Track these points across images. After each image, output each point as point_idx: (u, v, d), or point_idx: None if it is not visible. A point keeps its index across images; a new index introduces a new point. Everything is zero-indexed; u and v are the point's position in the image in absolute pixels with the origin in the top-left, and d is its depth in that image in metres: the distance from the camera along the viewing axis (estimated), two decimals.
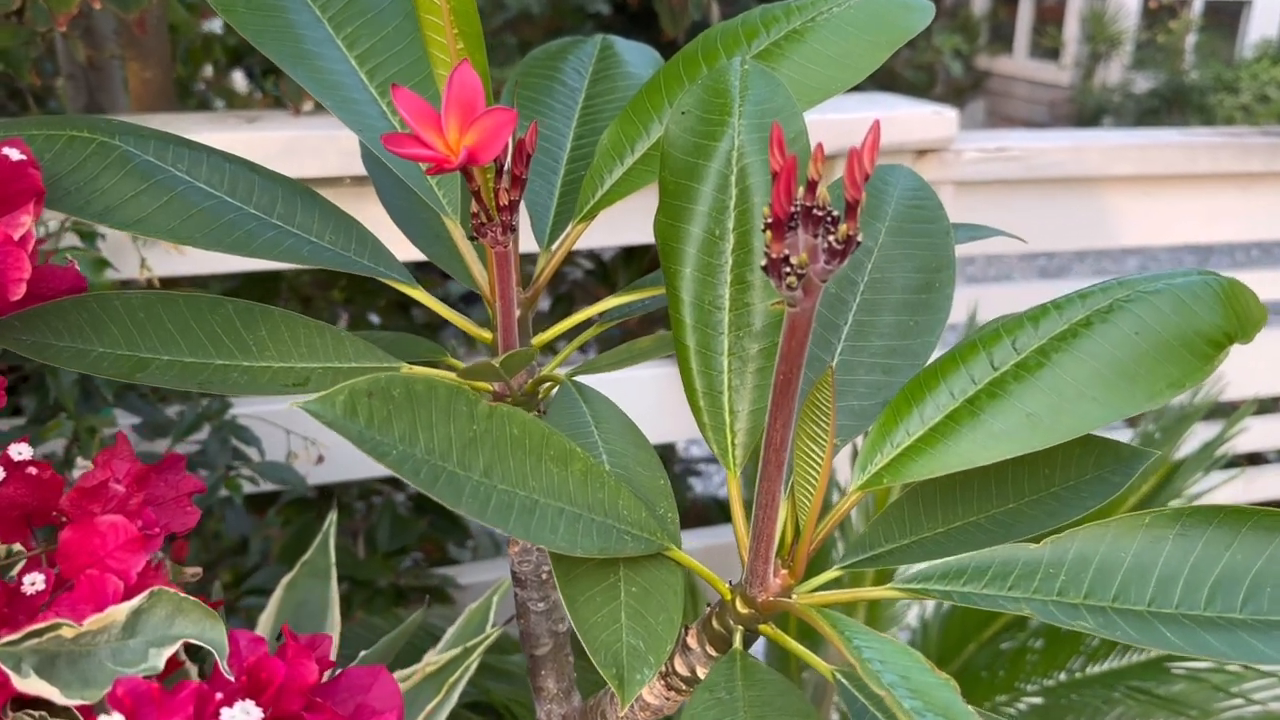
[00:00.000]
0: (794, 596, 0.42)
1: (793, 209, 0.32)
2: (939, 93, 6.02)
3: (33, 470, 0.40)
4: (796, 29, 0.50)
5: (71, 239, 0.87)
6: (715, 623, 0.43)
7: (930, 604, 1.13)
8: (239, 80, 1.67)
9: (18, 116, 1.29)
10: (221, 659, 0.33)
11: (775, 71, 0.49)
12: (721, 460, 0.43)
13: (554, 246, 0.52)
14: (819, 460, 0.39)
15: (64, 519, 0.42)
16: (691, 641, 0.44)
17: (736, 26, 0.51)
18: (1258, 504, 0.39)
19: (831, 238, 0.31)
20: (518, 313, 0.50)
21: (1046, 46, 6.37)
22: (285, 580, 0.78)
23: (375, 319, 1.47)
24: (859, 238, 0.32)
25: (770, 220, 0.32)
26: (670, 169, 0.44)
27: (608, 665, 0.38)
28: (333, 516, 0.80)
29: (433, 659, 0.65)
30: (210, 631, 0.33)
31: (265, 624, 0.77)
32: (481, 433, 0.39)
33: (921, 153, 1.24)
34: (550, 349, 1.32)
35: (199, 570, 0.62)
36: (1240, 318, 0.41)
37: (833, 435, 0.39)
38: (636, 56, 0.62)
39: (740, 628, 0.42)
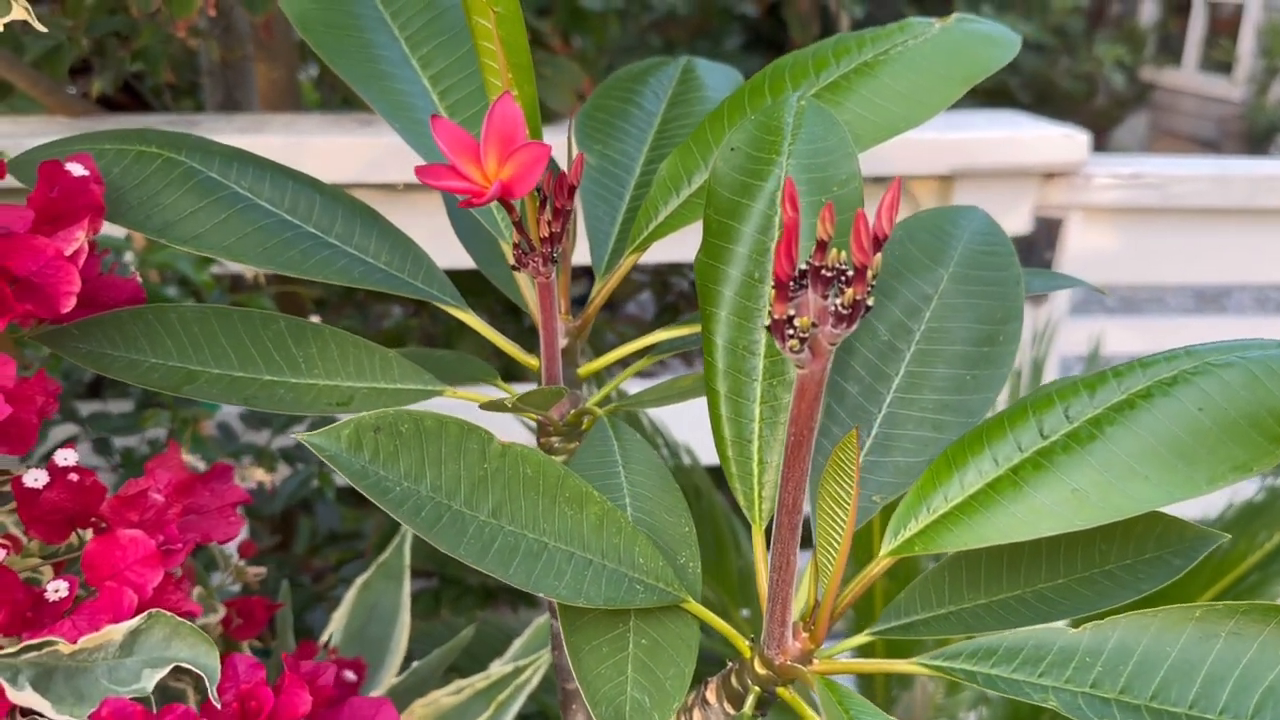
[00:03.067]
0: (815, 662, 0.40)
1: (802, 268, 0.30)
2: (1100, 104, 5.79)
3: (74, 476, 0.42)
4: (868, 61, 0.48)
5: None
6: (734, 680, 0.42)
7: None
8: None
9: (154, 113, 1.35)
10: (211, 685, 0.33)
11: (841, 106, 0.47)
12: (747, 513, 0.41)
13: (609, 274, 0.51)
14: (842, 523, 0.38)
15: (103, 525, 0.43)
16: (710, 697, 0.43)
17: (808, 57, 0.49)
18: None
19: (839, 301, 0.30)
20: (563, 341, 0.50)
21: (1218, 60, 6.05)
22: (360, 580, 0.79)
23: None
24: (869, 302, 0.30)
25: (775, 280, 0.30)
26: (715, 207, 0.43)
27: (607, 718, 0.37)
28: None
29: (482, 676, 0.65)
30: (204, 657, 0.34)
31: (338, 622, 0.78)
32: (493, 471, 0.38)
33: (1049, 176, 1.19)
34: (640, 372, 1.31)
35: (262, 570, 0.63)
36: None
37: (855, 498, 0.37)
38: (718, 80, 0.61)
39: (757, 689, 0.41)
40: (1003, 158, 1.15)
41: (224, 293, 0.93)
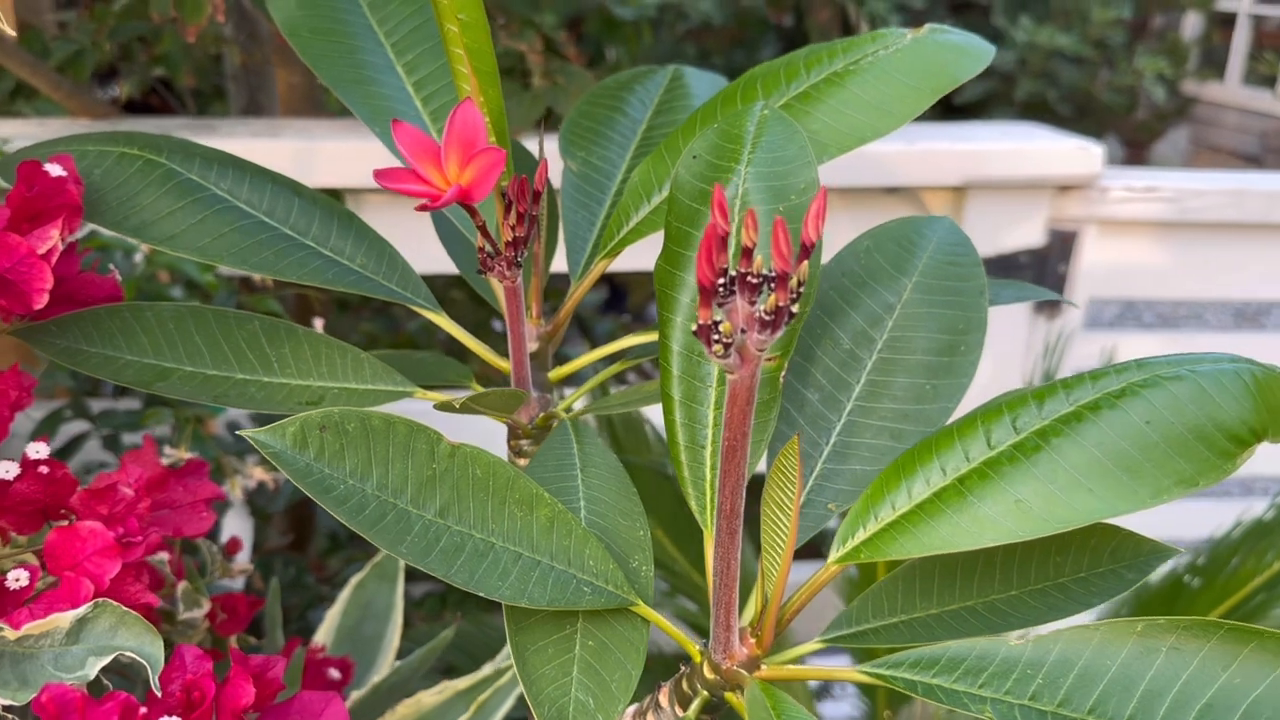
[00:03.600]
0: (763, 668, 0.40)
1: (730, 275, 0.31)
2: (1141, 118, 5.72)
3: (45, 469, 0.43)
4: (838, 71, 0.48)
5: None
6: (685, 685, 0.42)
7: None
8: None
9: (176, 116, 1.38)
10: (154, 674, 0.34)
11: (809, 115, 0.47)
12: (699, 518, 0.41)
13: (582, 279, 0.52)
14: (786, 528, 0.38)
15: (73, 517, 0.44)
16: (663, 700, 0.43)
17: (780, 66, 0.49)
18: None
19: (761, 308, 0.30)
20: (533, 345, 0.50)
21: (1263, 74, 5.96)
22: (355, 580, 0.80)
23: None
24: (794, 309, 0.30)
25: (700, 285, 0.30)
26: (675, 214, 0.43)
27: (549, 718, 0.37)
28: None
29: (467, 678, 0.66)
30: (148, 646, 0.34)
31: (332, 620, 0.79)
32: (442, 472, 0.38)
33: (1063, 189, 1.18)
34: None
35: (249, 566, 0.64)
36: (1275, 413, 0.37)
37: (797, 503, 0.37)
38: (705, 88, 0.61)
39: (705, 693, 0.41)
40: (1015, 169, 1.14)
41: (232, 294, 0.94)
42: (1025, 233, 1.19)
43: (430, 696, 0.66)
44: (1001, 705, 0.36)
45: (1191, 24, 6.25)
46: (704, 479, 0.41)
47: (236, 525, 0.97)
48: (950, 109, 4.41)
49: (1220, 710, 0.34)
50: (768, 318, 0.30)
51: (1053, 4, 4.76)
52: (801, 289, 0.31)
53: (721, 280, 0.31)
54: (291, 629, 0.97)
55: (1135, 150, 5.82)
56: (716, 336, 0.31)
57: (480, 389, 0.51)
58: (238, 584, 0.88)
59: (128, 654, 0.34)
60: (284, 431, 0.36)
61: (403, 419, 0.38)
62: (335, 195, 1.04)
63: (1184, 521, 1.31)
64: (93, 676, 0.33)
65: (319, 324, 0.87)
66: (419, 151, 0.41)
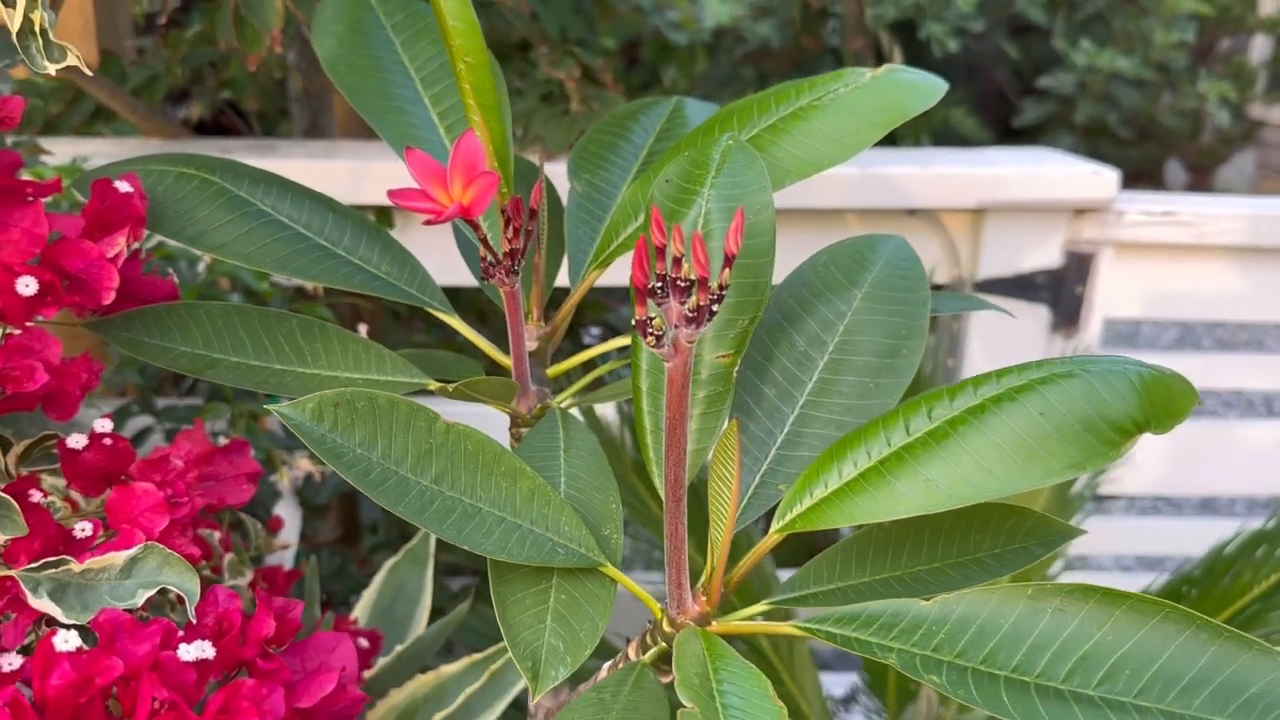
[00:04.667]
0: (714, 623, 0.46)
1: (662, 279, 0.37)
2: (1206, 142, 5.66)
3: (108, 441, 0.50)
4: (803, 106, 0.54)
5: None
6: (649, 639, 0.48)
7: None
8: None
9: (241, 137, 1.47)
10: (190, 605, 0.41)
11: (776, 145, 0.53)
12: (663, 495, 0.48)
13: (578, 287, 0.58)
14: (728, 501, 0.44)
15: (132, 482, 0.51)
16: (632, 653, 0.49)
17: (754, 101, 0.56)
18: None
19: (685, 306, 0.36)
20: (532, 345, 0.57)
21: None
22: (389, 564, 0.87)
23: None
24: (714, 308, 0.37)
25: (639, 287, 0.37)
26: (647, 230, 0.49)
27: (524, 659, 0.44)
28: None
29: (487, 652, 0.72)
30: (187, 582, 0.41)
31: (368, 599, 0.86)
32: (438, 446, 0.45)
33: (1079, 212, 1.22)
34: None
35: (289, 542, 0.72)
36: (1158, 409, 0.42)
37: (737, 480, 0.43)
38: (703, 118, 0.67)
39: (663, 645, 0.47)
40: (1030, 193, 1.19)
41: (286, 301, 1.02)
42: (1042, 254, 1.24)
43: (449, 667, 0.73)
44: (905, 654, 0.41)
45: (1260, 46, 6.17)
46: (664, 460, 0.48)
47: (286, 515, 1.05)
48: (1009, 132, 4.43)
49: (1093, 662, 0.40)
50: (691, 314, 0.36)
51: (1115, 27, 4.74)
52: (723, 292, 0.37)
53: (659, 284, 0.37)
54: (335, 611, 1.05)
55: (1199, 174, 5.75)
56: (651, 330, 0.37)
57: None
58: (282, 562, 0.96)
59: (171, 588, 0.41)
60: (304, 406, 0.43)
61: (405, 400, 0.45)
62: (385, 212, 1.12)
63: (1199, 540, 1.34)
64: (140, 604, 0.41)
65: (363, 329, 0.94)
66: (427, 175, 0.48)
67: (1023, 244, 1.23)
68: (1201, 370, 1.35)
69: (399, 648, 0.74)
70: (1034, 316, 1.26)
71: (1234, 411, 2.95)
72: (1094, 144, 4.70)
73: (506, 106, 0.60)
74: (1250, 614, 0.98)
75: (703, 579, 0.47)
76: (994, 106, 4.62)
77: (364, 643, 0.73)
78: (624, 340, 0.57)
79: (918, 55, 3.94)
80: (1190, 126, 5.31)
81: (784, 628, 0.45)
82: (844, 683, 1.40)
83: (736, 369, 0.48)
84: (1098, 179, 1.20)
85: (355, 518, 1.30)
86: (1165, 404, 0.42)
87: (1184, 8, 4.75)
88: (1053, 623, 0.41)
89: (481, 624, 1.11)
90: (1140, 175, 4.82)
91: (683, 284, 0.37)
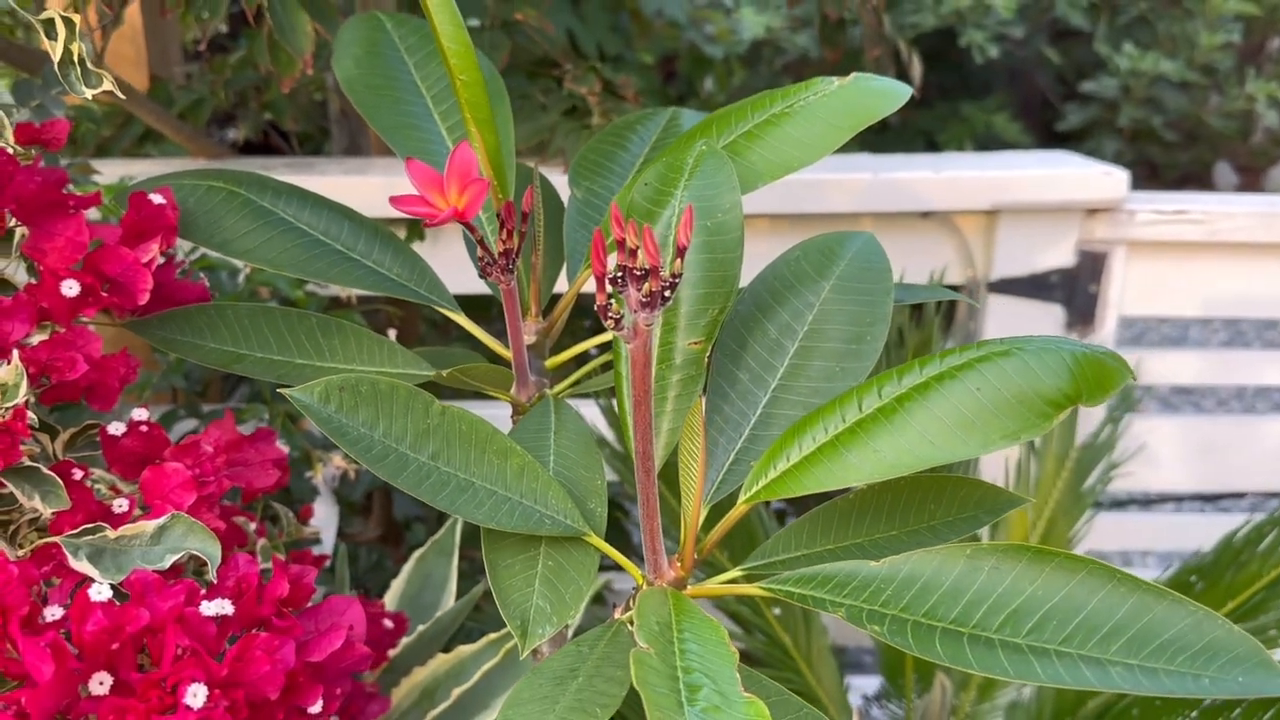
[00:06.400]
0: (689, 587, 0.51)
1: (620, 267, 0.42)
2: (1257, 143, 5.59)
3: (145, 428, 0.56)
4: (777, 113, 0.58)
5: None
6: (630, 603, 0.52)
7: None
8: None
9: (280, 155, 1.54)
10: (212, 567, 0.46)
11: (750, 149, 0.58)
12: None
13: (573, 286, 0.63)
14: (695, 474, 0.48)
15: (163, 463, 0.56)
16: (618, 615, 0.54)
17: (733, 110, 0.60)
18: None
19: (639, 294, 0.41)
20: (530, 338, 0.62)
21: None
22: (416, 554, 0.92)
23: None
24: (668, 294, 0.41)
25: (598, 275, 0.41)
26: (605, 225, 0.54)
27: (514, 618, 0.48)
28: None
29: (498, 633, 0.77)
30: (210, 547, 0.46)
31: (397, 588, 0.91)
32: (434, 426, 0.50)
33: (1091, 212, 1.25)
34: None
35: (318, 530, 0.77)
36: (1089, 384, 0.46)
37: (703, 454, 0.47)
38: None
39: None
40: (1042, 194, 1.22)
41: (321, 309, 1.08)
42: (1056, 254, 1.27)
43: (468, 646, 0.78)
44: (853, 609, 0.45)
45: None
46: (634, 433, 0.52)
47: (323, 511, 1.11)
48: (1053, 136, 4.41)
49: (1023, 614, 0.43)
50: (646, 300, 0.41)
51: (1158, 30, 4.71)
52: (676, 279, 0.42)
53: (618, 273, 0.42)
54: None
55: (1249, 176, 5.68)
56: (611, 314, 0.41)
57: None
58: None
59: (196, 553, 0.46)
60: (313, 390, 0.48)
61: (405, 385, 0.50)
62: (415, 224, 1.18)
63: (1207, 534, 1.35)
64: (168, 567, 0.46)
65: (392, 334, 1.00)
66: (426, 182, 0.53)
67: (1036, 244, 1.26)
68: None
69: (421, 627, 0.79)
70: (1049, 315, 1.29)
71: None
72: (1140, 148, 4.67)
73: (507, 119, 0.65)
74: (1256, 602, 1.00)
75: (679, 548, 0.51)
76: (1037, 112, 4.61)
77: (389, 624, 0.78)
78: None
79: (958, 62, 3.95)
80: (1239, 128, 5.26)
81: (750, 589, 0.49)
82: (873, 685, 1.43)
83: (709, 355, 0.52)
84: (1108, 179, 1.22)
85: (393, 517, 1.36)
86: (1096, 379, 0.46)
87: (1229, 9, 4.71)
88: (988, 579, 0.45)
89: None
90: (1188, 178, 4.78)
91: (638, 273, 0.41)
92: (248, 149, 1.54)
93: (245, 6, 0.92)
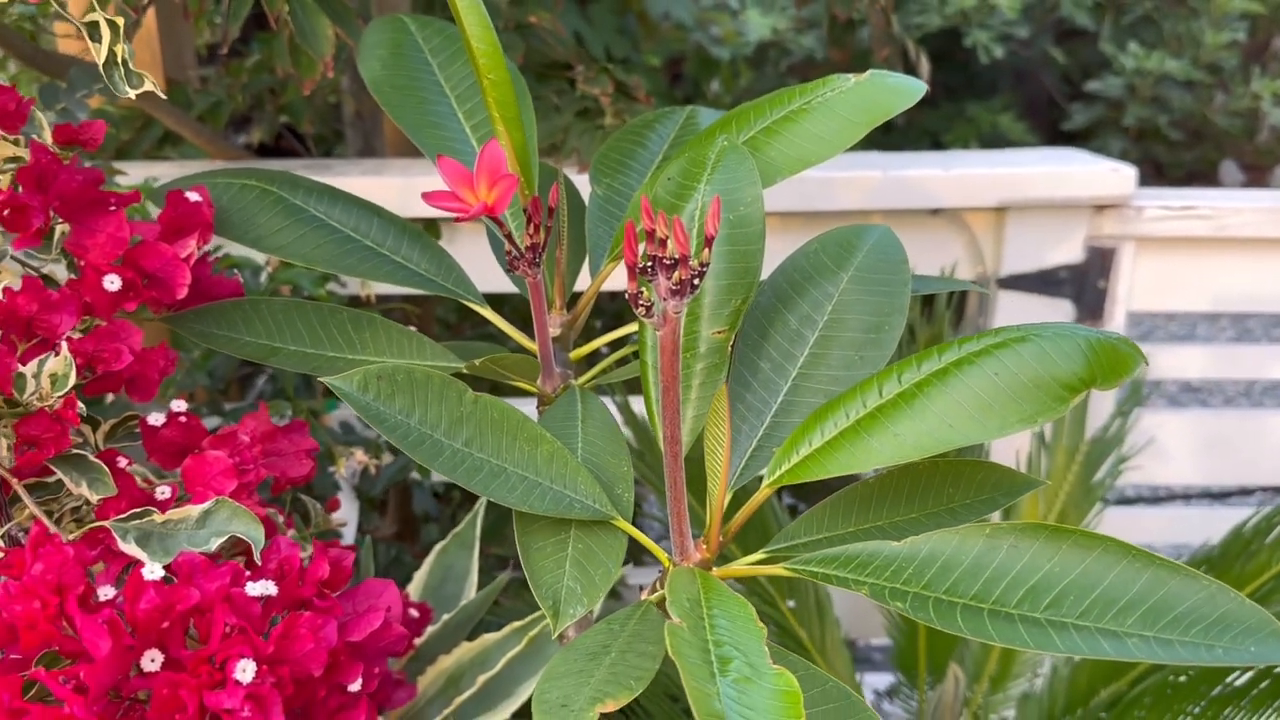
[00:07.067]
0: (713, 570, 0.52)
1: (651, 257, 0.43)
2: (1263, 142, 5.60)
3: (183, 419, 0.57)
4: (795, 110, 0.60)
5: None
6: (659, 585, 0.54)
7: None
8: None
9: (296, 157, 1.55)
10: (256, 549, 0.48)
11: (769, 145, 0.59)
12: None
13: (596, 280, 0.64)
14: (721, 458, 0.50)
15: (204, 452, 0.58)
16: (643, 596, 0.55)
17: (751, 107, 0.62)
18: None
19: (669, 281, 0.42)
20: (555, 330, 0.63)
21: None
22: (438, 547, 0.94)
23: None
24: (696, 282, 0.43)
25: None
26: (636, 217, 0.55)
27: (546, 599, 0.50)
28: (483, 500, 0.96)
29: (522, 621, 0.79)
30: (253, 531, 0.48)
31: (419, 580, 0.93)
32: (468, 413, 0.52)
33: (1100, 208, 1.26)
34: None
35: (345, 520, 0.79)
36: (1104, 369, 0.47)
37: (729, 439, 0.49)
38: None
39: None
40: (1050, 191, 1.23)
41: (341, 305, 1.10)
42: (1064, 250, 1.28)
43: (492, 635, 0.80)
44: (876, 586, 0.47)
45: None
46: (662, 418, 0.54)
47: (345, 507, 1.12)
48: (1059, 136, 4.42)
49: (1042, 590, 0.45)
50: (675, 288, 0.42)
51: (1164, 30, 4.72)
52: (704, 268, 0.43)
53: (647, 262, 0.43)
54: None
55: (1255, 174, 5.68)
56: (641, 301, 0.43)
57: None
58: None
59: (240, 535, 0.48)
60: (351, 379, 0.50)
61: (439, 374, 0.52)
62: (432, 224, 1.20)
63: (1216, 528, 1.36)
64: (213, 549, 0.47)
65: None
66: (457, 178, 0.54)
67: (1045, 241, 1.27)
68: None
69: (446, 616, 0.80)
70: (1058, 311, 1.30)
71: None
72: (1146, 147, 4.68)
73: (531, 118, 0.66)
74: (1266, 591, 1.02)
75: (704, 530, 0.53)
76: (1043, 111, 4.62)
77: (414, 613, 0.80)
78: (636, 326, 0.63)
79: (964, 62, 3.95)
80: (1244, 127, 5.26)
81: (776, 569, 0.50)
82: (884, 681, 1.44)
83: (732, 344, 0.54)
84: (1115, 176, 1.24)
85: (412, 514, 1.38)
86: (1110, 364, 0.47)
87: (1235, 7, 4.71)
88: (1007, 557, 0.46)
89: (525, 608, 1.17)
90: (1194, 177, 4.78)
91: (668, 262, 0.43)
92: (262, 151, 1.56)
93: (267, 10, 0.93)
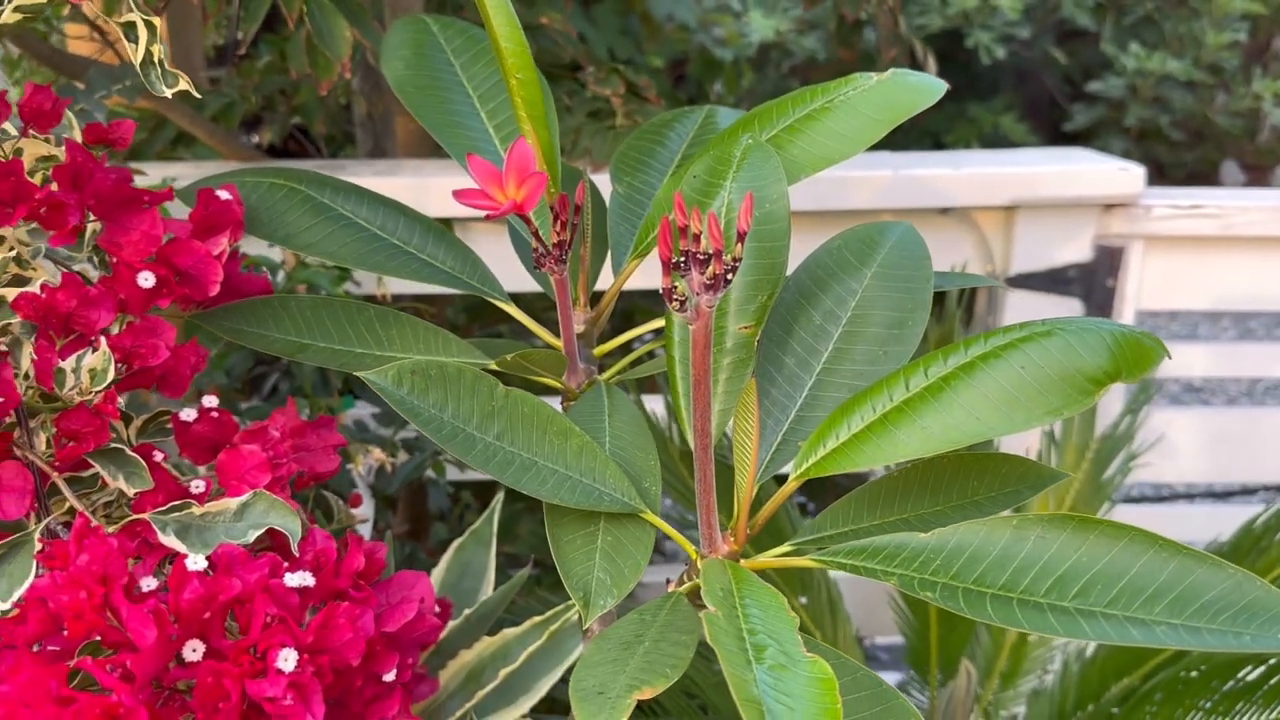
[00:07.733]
0: (741, 561, 0.53)
1: (684, 253, 0.44)
2: (1264, 142, 5.61)
3: (215, 414, 0.58)
4: (817, 108, 0.61)
5: None
6: (687, 577, 0.55)
7: (1072, 648, 1.16)
8: None
9: (312, 159, 1.56)
10: (294, 541, 0.49)
11: (792, 143, 0.60)
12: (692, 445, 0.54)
13: (620, 276, 0.65)
14: (750, 451, 0.50)
15: (237, 447, 0.59)
16: (671, 588, 0.56)
17: (774, 105, 0.62)
18: None
19: (702, 276, 0.43)
20: (580, 327, 0.64)
21: None
22: (455, 544, 0.95)
23: None
24: (729, 276, 0.43)
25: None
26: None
27: (577, 590, 0.51)
28: (500, 496, 0.97)
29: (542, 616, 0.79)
30: (291, 523, 0.49)
31: (437, 576, 0.94)
32: (499, 408, 0.52)
33: (1108, 207, 1.27)
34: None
35: (367, 515, 0.79)
36: (1129, 362, 0.48)
37: (757, 432, 0.50)
38: (732, 123, 0.74)
39: (699, 581, 0.53)
40: (1059, 190, 1.24)
41: None
42: (1073, 249, 1.29)
43: (513, 630, 0.80)
44: (905, 577, 0.48)
45: None
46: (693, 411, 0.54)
47: (362, 505, 1.13)
48: (1061, 136, 4.43)
49: (1068, 580, 0.46)
50: (709, 282, 0.43)
51: (1165, 30, 4.72)
52: (737, 263, 0.44)
53: (681, 257, 0.44)
54: None
55: (1256, 174, 5.69)
56: (675, 296, 0.44)
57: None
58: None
59: (277, 528, 0.48)
60: (386, 374, 0.51)
61: (471, 369, 0.52)
62: (446, 224, 1.20)
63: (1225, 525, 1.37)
64: (251, 541, 0.48)
65: None
66: (487, 177, 0.55)
67: (1054, 239, 1.28)
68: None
69: (467, 611, 0.81)
70: (1067, 310, 1.31)
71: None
72: (1147, 147, 4.68)
73: (554, 118, 0.67)
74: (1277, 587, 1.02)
75: (731, 522, 0.53)
76: (1044, 112, 4.63)
77: (435, 608, 0.80)
78: (661, 321, 0.64)
79: (965, 63, 3.96)
80: (1246, 127, 5.27)
81: (804, 561, 0.51)
82: (892, 680, 1.45)
83: (758, 339, 0.55)
84: (1124, 175, 1.24)
85: (423, 512, 1.38)
86: (1135, 357, 0.48)
87: (1236, 8, 4.71)
88: (1034, 548, 0.47)
89: (538, 605, 1.18)
90: (1195, 177, 4.79)
91: (701, 257, 0.44)
92: (271, 152, 1.57)
93: (285, 11, 0.94)
